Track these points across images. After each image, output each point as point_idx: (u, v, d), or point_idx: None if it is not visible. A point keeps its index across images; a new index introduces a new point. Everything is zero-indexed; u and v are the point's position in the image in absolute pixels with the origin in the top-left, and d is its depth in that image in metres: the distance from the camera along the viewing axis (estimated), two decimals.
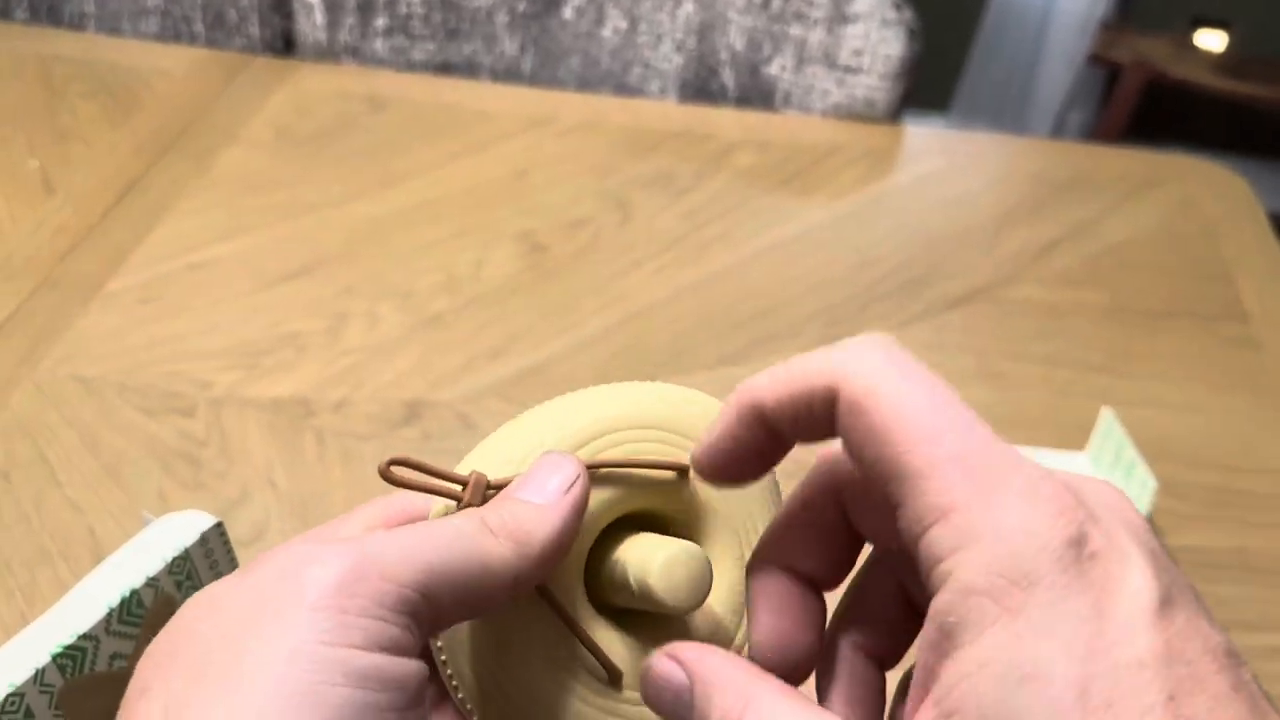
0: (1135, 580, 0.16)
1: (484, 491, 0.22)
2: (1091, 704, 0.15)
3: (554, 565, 0.21)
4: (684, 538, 0.23)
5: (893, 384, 0.18)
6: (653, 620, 0.23)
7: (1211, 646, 0.16)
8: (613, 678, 0.22)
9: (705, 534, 0.24)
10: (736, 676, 0.19)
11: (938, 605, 0.17)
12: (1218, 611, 0.18)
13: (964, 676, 0.16)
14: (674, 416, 0.24)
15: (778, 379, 0.20)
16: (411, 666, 0.19)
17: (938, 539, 0.17)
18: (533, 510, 0.21)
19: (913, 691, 0.18)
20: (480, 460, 0.23)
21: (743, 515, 0.24)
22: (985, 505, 0.17)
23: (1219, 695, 0.15)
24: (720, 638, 0.24)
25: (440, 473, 0.21)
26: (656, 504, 0.24)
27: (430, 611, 0.19)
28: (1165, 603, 0.16)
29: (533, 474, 0.22)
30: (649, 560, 0.22)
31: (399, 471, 0.21)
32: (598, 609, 0.23)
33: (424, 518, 0.23)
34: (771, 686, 0.19)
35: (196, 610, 0.19)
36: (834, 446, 0.21)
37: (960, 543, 0.17)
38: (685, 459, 0.23)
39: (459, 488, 0.21)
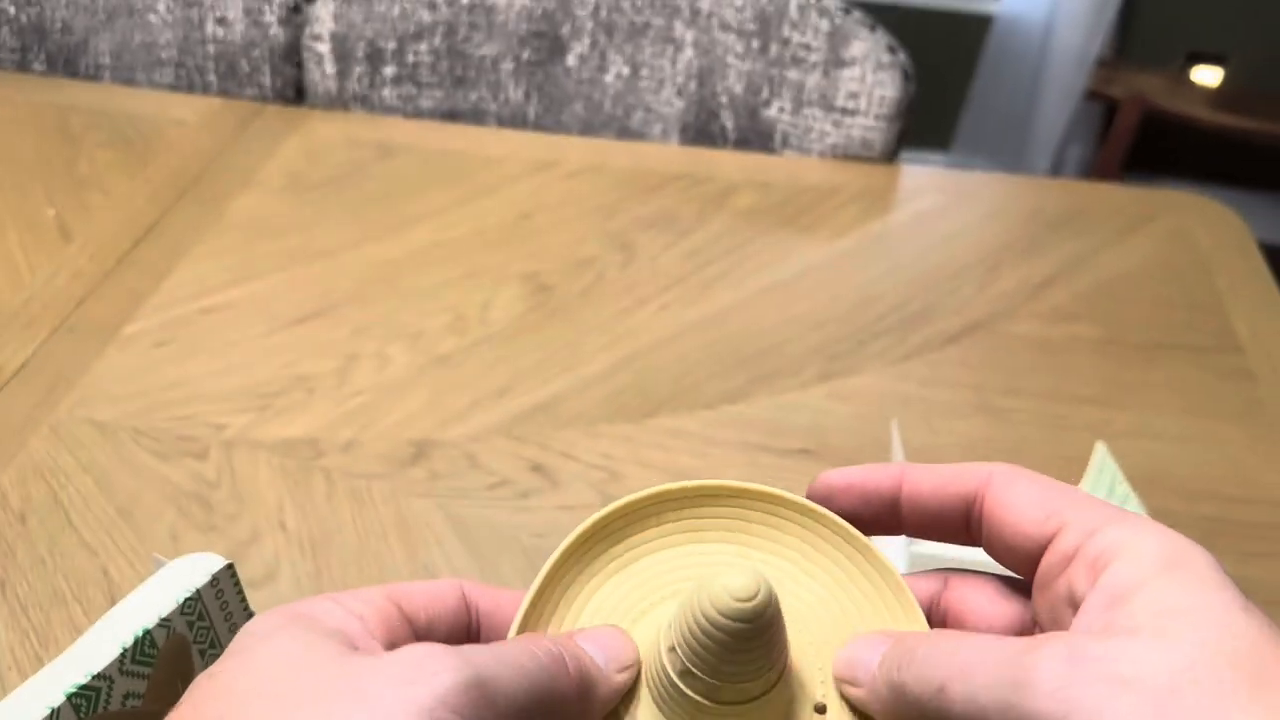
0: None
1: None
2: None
3: None
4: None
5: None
6: None
7: None
8: None
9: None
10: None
11: (1113, 574, 0.21)
12: None
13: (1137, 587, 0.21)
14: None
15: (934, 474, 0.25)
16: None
17: (1105, 540, 0.22)
18: (599, 666, 0.24)
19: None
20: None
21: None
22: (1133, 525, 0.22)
23: None
24: None
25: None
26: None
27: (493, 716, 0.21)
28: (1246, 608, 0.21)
29: (599, 635, 0.24)
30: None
31: None
32: None
33: (441, 610, 0.25)
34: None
35: (249, 677, 0.20)
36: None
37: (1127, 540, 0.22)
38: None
39: None
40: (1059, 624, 0.22)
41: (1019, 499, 0.24)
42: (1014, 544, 0.24)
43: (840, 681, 0.24)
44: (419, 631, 0.24)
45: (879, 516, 0.26)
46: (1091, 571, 0.21)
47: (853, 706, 0.24)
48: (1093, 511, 0.23)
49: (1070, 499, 0.23)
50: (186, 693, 0.21)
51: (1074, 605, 0.22)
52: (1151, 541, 0.21)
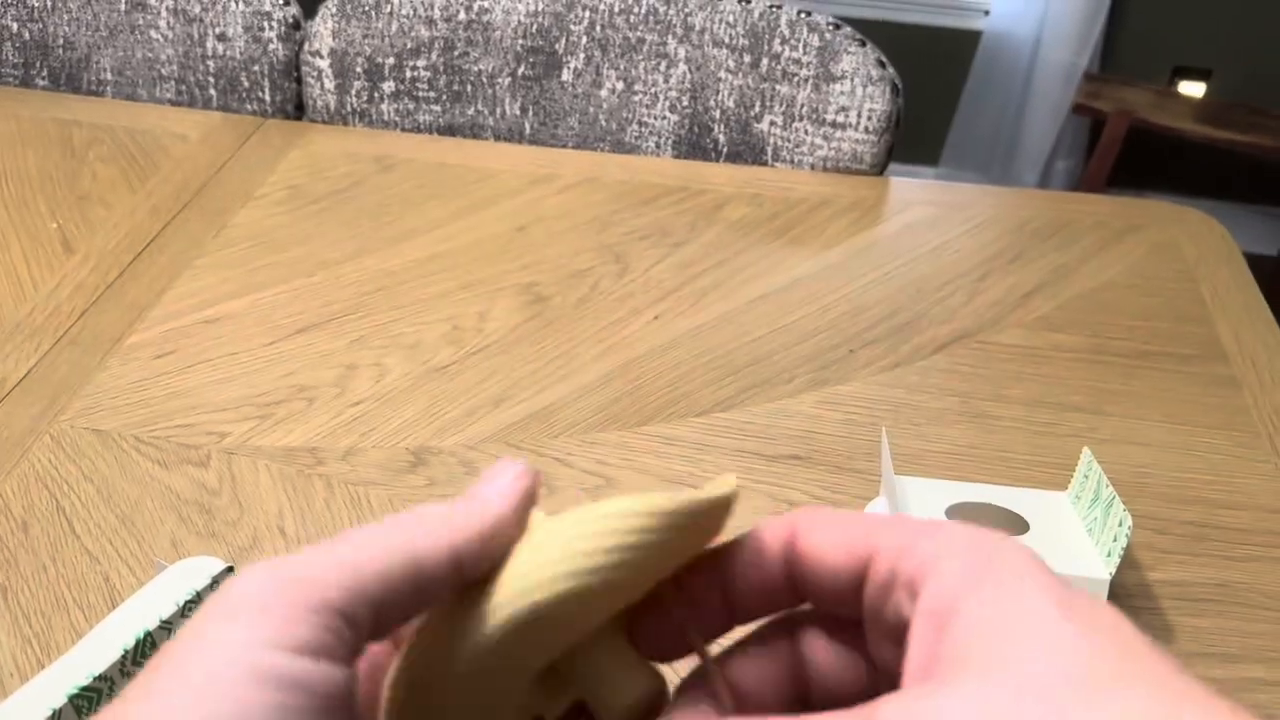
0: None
1: None
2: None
3: (494, 556, 0.22)
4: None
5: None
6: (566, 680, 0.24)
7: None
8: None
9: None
10: None
11: (928, 595, 0.20)
12: (1198, 644, 0.21)
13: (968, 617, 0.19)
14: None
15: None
16: (334, 672, 0.19)
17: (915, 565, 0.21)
18: (474, 503, 0.22)
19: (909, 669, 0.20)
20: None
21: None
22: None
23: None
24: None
25: None
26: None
27: (368, 612, 0.20)
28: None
29: (481, 480, 0.23)
30: (618, 690, 0.22)
31: None
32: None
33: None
34: None
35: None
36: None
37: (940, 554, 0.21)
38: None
39: None
40: (893, 662, 0.21)
41: (822, 539, 0.22)
42: (832, 587, 0.22)
43: None
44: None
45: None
46: (910, 594, 0.20)
47: None
48: (898, 531, 0.21)
49: (874, 524, 0.22)
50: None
51: (903, 635, 0.21)
52: (959, 553, 0.20)
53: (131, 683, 0.19)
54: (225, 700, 0.18)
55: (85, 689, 0.29)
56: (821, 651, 0.23)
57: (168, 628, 0.32)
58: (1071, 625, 0.19)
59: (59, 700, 0.29)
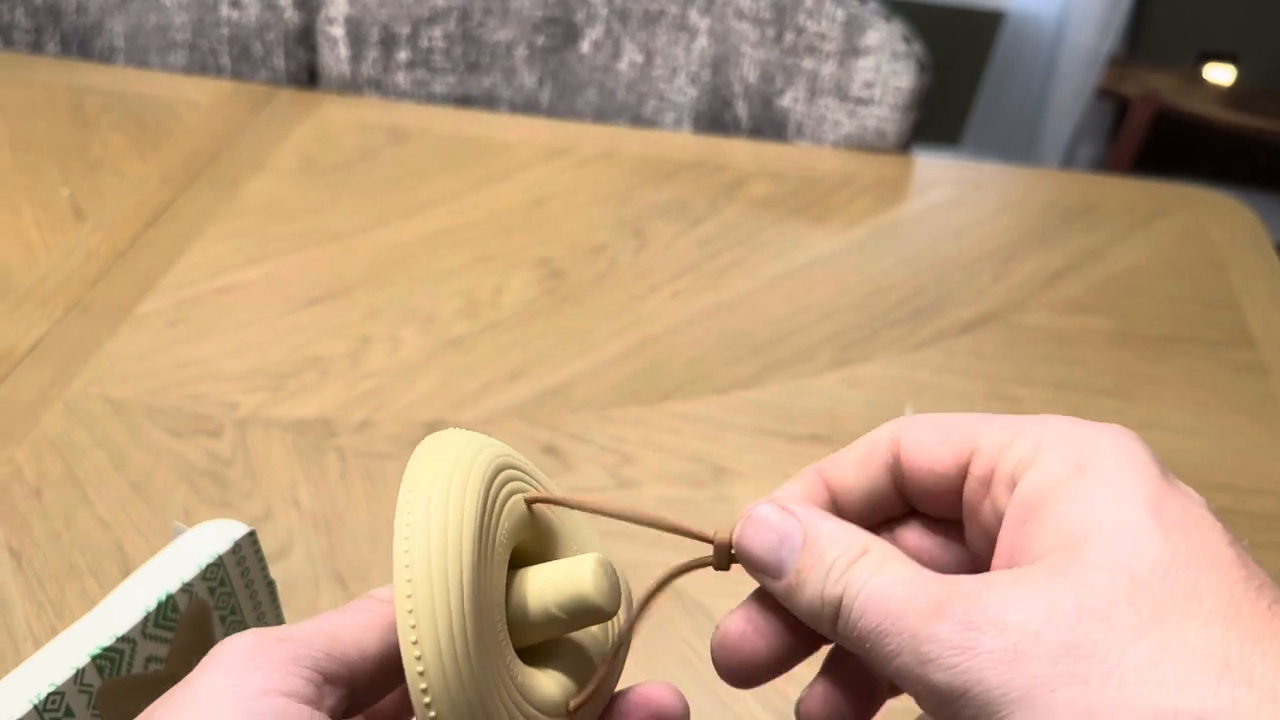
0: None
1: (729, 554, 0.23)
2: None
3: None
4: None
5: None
6: (552, 653, 0.24)
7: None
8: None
9: (564, 556, 0.25)
10: (846, 531, 0.21)
11: (1022, 488, 0.20)
12: None
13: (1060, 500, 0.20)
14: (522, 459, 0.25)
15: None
16: (316, 717, 0.20)
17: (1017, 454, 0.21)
18: None
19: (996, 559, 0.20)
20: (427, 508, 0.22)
21: (580, 539, 0.25)
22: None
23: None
24: (598, 648, 0.25)
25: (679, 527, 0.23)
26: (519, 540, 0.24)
27: (343, 670, 0.21)
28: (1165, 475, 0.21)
29: None
30: (571, 579, 0.22)
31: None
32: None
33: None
34: (879, 542, 0.21)
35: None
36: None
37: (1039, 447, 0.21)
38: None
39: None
40: (986, 556, 0.21)
41: (925, 441, 0.22)
42: (934, 488, 0.22)
43: (751, 564, 0.22)
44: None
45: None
46: (1009, 489, 0.20)
47: None
48: (1001, 428, 0.21)
49: (975, 424, 0.22)
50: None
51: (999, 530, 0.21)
52: (1061, 444, 0.20)
53: None
54: None
55: (108, 649, 0.29)
56: (919, 543, 0.23)
57: (189, 591, 0.31)
58: (1157, 531, 0.18)
59: (82, 660, 0.29)
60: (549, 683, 0.23)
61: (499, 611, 0.22)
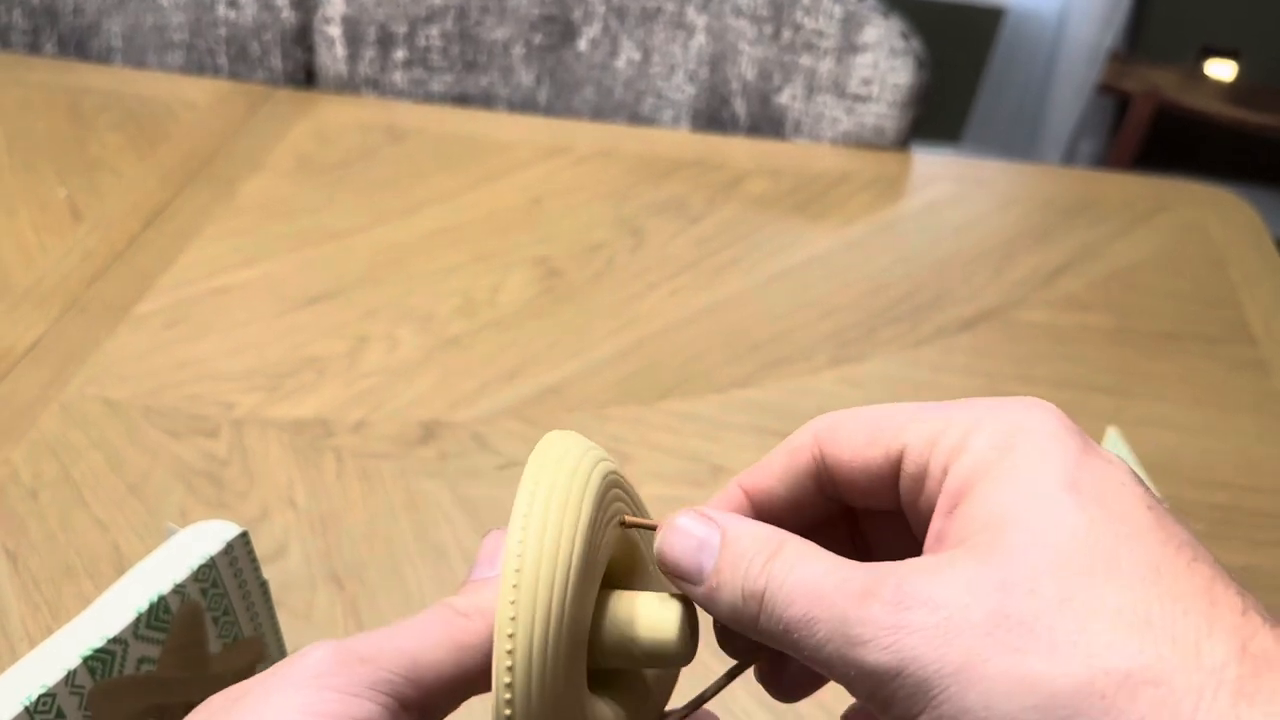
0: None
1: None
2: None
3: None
4: (628, 586, 0.24)
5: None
6: (614, 681, 0.24)
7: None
8: None
9: (642, 580, 0.25)
10: (764, 530, 0.21)
11: (951, 477, 0.20)
12: None
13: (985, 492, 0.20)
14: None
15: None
16: None
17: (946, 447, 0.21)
18: (493, 583, 0.22)
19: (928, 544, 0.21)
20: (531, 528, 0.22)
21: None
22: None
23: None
24: (667, 682, 0.25)
25: None
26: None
27: (417, 694, 0.21)
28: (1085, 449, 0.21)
29: (485, 552, 0.24)
30: (660, 623, 0.22)
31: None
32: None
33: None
34: (797, 538, 0.21)
35: (224, 694, 0.21)
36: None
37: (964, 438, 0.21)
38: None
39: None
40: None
41: (852, 441, 0.22)
42: (868, 488, 0.22)
43: (672, 571, 0.22)
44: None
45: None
46: (941, 480, 0.21)
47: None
48: (928, 419, 0.21)
49: (902, 419, 0.22)
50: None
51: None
52: (988, 428, 0.20)
53: None
54: None
55: (99, 650, 0.29)
56: (879, 532, 0.24)
57: (180, 592, 0.31)
58: (1074, 502, 0.19)
59: (73, 661, 0.29)
60: (607, 712, 0.23)
61: (585, 633, 0.22)
